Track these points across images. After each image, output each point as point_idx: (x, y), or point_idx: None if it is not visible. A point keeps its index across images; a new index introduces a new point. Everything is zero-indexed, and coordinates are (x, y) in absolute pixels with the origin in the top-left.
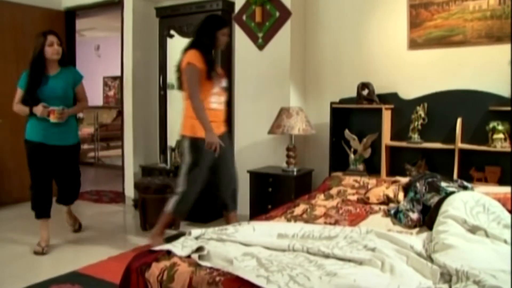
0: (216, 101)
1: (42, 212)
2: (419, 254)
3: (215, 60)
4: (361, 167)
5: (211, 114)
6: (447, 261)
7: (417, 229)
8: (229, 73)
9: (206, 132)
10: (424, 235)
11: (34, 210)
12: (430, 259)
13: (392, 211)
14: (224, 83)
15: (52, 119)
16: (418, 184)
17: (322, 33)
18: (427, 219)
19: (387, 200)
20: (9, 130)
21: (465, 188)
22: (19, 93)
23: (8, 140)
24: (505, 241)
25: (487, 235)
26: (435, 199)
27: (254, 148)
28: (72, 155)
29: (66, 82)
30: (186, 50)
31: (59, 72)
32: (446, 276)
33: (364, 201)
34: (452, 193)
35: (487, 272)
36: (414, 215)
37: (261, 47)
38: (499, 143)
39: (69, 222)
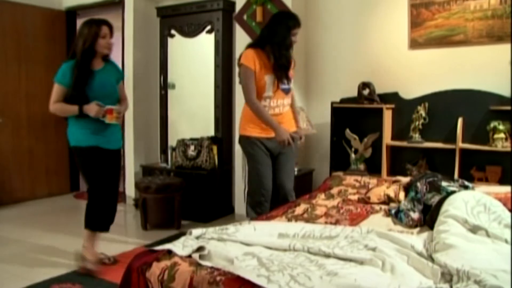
0: (272, 105)
1: (103, 224)
2: (420, 254)
3: (281, 60)
4: (362, 166)
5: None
6: (448, 261)
7: (418, 229)
8: (230, 73)
9: (273, 130)
10: (425, 234)
11: (93, 221)
12: (431, 258)
13: (393, 211)
14: (286, 84)
15: (109, 119)
16: (418, 184)
17: (323, 32)
18: (428, 218)
19: (388, 200)
20: (9, 129)
21: (466, 187)
22: (59, 90)
23: (9, 140)
24: (506, 241)
25: (488, 235)
26: (436, 198)
27: None
28: (119, 160)
29: (112, 78)
30: (247, 46)
31: (104, 67)
32: (447, 276)
33: (365, 200)
34: (453, 192)
35: (488, 272)
36: (415, 215)
37: None
38: (500, 143)
39: (103, 254)
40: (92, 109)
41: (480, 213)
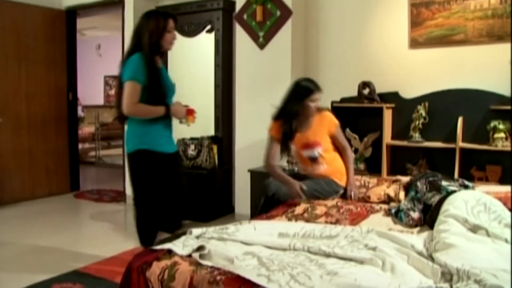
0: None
1: (153, 239)
2: (420, 253)
3: (299, 129)
4: (362, 166)
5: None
6: (448, 260)
7: (418, 228)
8: (230, 73)
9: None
10: (425, 234)
11: (147, 236)
12: (431, 258)
13: (393, 210)
14: (314, 152)
15: (190, 121)
16: (419, 183)
17: (323, 32)
18: (428, 218)
19: (388, 199)
20: (10, 129)
21: (466, 187)
22: (137, 88)
23: (9, 140)
24: (506, 240)
25: (488, 234)
26: (436, 198)
27: (255, 147)
28: (180, 162)
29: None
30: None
31: (162, 65)
32: (447, 275)
33: (365, 200)
34: (453, 192)
35: (488, 271)
36: (415, 214)
37: (262, 46)
38: (500, 142)
39: None
40: (180, 110)
41: (480, 213)
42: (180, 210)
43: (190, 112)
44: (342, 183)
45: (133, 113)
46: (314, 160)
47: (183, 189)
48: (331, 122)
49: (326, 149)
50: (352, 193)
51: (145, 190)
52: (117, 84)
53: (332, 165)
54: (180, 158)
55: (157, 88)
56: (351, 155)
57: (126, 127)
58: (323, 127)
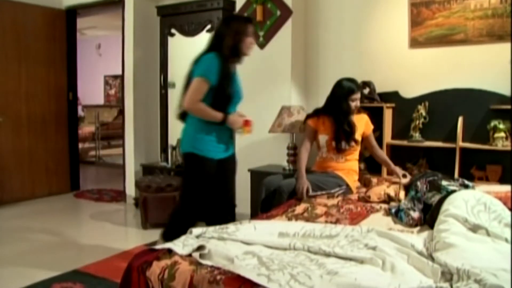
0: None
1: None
2: (420, 253)
3: (354, 126)
4: (362, 165)
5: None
6: (448, 260)
7: (418, 228)
8: None
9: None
10: (425, 234)
11: (173, 232)
12: (431, 257)
13: (393, 210)
14: (346, 145)
15: (246, 132)
16: (419, 183)
17: (323, 31)
18: (428, 218)
19: (388, 199)
20: (10, 128)
21: (466, 186)
22: (205, 86)
23: (9, 139)
24: (506, 240)
25: (488, 234)
26: (436, 198)
27: (255, 147)
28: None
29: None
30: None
31: (235, 71)
32: (447, 275)
33: (365, 199)
34: (453, 191)
35: (488, 271)
36: (415, 214)
37: (262, 45)
38: (500, 142)
39: None
40: (237, 121)
41: (480, 212)
42: (225, 213)
43: (246, 123)
44: (348, 181)
45: (192, 109)
46: (339, 151)
47: (228, 194)
48: (367, 124)
49: (355, 147)
50: (398, 170)
51: (192, 189)
52: (186, 80)
53: (349, 162)
54: (233, 164)
55: (224, 91)
56: (381, 150)
57: (184, 125)
58: (359, 127)
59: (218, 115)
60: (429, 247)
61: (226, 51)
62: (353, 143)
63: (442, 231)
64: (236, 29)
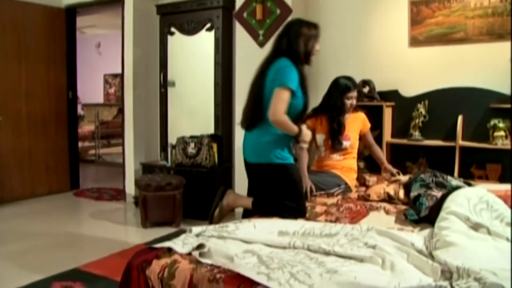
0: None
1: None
2: (420, 252)
3: (343, 125)
4: (361, 164)
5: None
6: (448, 258)
7: (418, 227)
8: (230, 71)
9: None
10: (426, 232)
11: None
12: (431, 256)
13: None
14: (343, 144)
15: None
16: (423, 176)
17: (322, 30)
18: (431, 214)
19: (387, 198)
20: (10, 127)
21: (469, 185)
22: (288, 96)
23: (9, 138)
24: (508, 239)
25: (489, 232)
26: (439, 194)
27: None
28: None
29: None
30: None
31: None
32: (447, 273)
33: (365, 198)
34: (457, 187)
35: (488, 269)
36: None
37: (262, 44)
38: (500, 141)
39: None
40: (308, 134)
41: (483, 211)
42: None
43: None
44: (347, 180)
45: (277, 121)
46: (337, 150)
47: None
48: (365, 123)
49: (352, 145)
50: (390, 167)
51: (292, 195)
52: (255, 85)
53: (347, 161)
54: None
55: (302, 100)
56: (379, 148)
57: (251, 135)
58: (356, 126)
59: (296, 128)
60: (429, 245)
61: (300, 56)
62: (345, 144)
63: (443, 229)
64: (308, 35)
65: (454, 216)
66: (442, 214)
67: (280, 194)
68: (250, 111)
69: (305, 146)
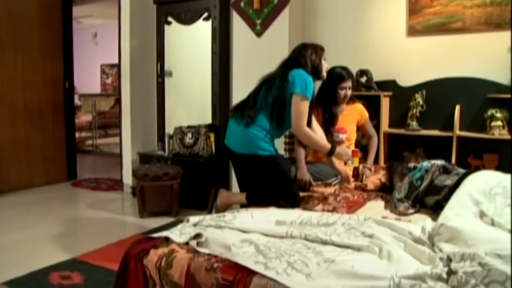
0: None
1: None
2: (417, 240)
3: (335, 116)
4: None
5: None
6: (449, 249)
7: (415, 215)
8: (227, 61)
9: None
10: (424, 221)
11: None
12: (428, 244)
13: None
14: (339, 136)
15: (356, 162)
16: (429, 164)
17: (320, 19)
18: (441, 199)
19: (384, 187)
20: (6, 118)
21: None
22: (307, 108)
23: (5, 129)
24: (508, 231)
25: (493, 223)
26: (450, 180)
27: None
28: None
29: None
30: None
31: None
32: (444, 261)
33: (362, 188)
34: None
35: (493, 252)
36: (401, 207)
37: (259, 34)
38: (497, 131)
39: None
40: (346, 153)
41: (497, 195)
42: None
43: (356, 154)
44: (339, 166)
45: (301, 134)
46: (333, 142)
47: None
48: (362, 114)
49: (349, 137)
50: (365, 171)
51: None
52: (264, 85)
53: None
54: None
55: (311, 111)
56: (375, 142)
57: (234, 126)
58: (352, 117)
59: (327, 145)
60: (433, 229)
61: (321, 72)
62: (341, 137)
63: (449, 209)
64: (313, 51)
65: (467, 196)
66: (458, 193)
67: (272, 185)
68: (252, 104)
69: (350, 163)
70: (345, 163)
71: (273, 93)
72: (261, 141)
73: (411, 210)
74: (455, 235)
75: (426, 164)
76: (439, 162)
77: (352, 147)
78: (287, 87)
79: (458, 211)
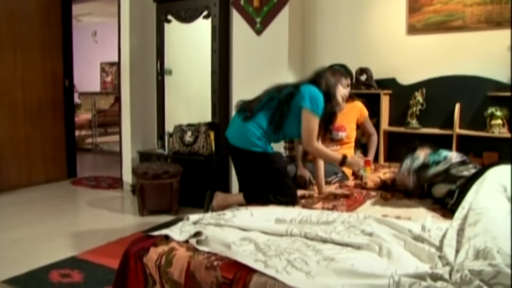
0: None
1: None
2: (417, 238)
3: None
4: (358, 152)
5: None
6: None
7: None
8: (227, 59)
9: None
10: (427, 220)
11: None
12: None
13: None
14: (338, 134)
15: (369, 171)
16: (448, 154)
17: (320, 17)
18: (459, 187)
19: (385, 186)
20: (6, 116)
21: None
22: (317, 125)
23: (5, 127)
24: None
25: None
26: (468, 171)
27: None
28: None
29: None
30: None
31: None
32: (443, 259)
33: (362, 186)
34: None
35: (506, 252)
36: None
37: (259, 32)
38: (497, 129)
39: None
40: (358, 163)
41: None
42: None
43: (368, 163)
44: (345, 169)
45: (313, 151)
46: (333, 140)
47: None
48: (361, 112)
49: (349, 135)
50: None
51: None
52: (276, 89)
53: (344, 150)
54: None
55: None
56: (374, 140)
57: (237, 119)
58: (352, 115)
59: (338, 156)
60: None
61: (336, 102)
62: (340, 135)
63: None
64: (335, 74)
65: (497, 182)
66: (494, 185)
67: (266, 180)
68: (248, 105)
69: (363, 173)
70: (357, 173)
71: (280, 97)
72: (255, 138)
73: (410, 180)
74: (478, 218)
75: (446, 153)
76: (458, 154)
77: (352, 144)
78: (296, 98)
79: (487, 191)
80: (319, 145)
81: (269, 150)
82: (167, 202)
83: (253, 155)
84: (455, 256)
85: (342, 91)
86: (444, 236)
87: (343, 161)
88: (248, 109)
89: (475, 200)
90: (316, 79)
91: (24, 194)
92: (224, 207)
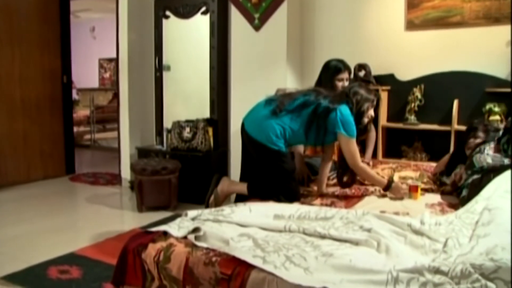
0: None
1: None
2: (417, 232)
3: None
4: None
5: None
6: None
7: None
8: (225, 55)
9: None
10: (425, 215)
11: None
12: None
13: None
14: None
15: (415, 197)
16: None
17: (319, 13)
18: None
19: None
20: (4, 112)
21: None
22: (355, 144)
23: (3, 123)
24: None
25: None
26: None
27: None
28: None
29: None
30: None
31: None
32: (443, 253)
33: (360, 182)
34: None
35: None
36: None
37: (257, 28)
38: (495, 125)
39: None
40: (401, 189)
41: None
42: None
43: (415, 189)
44: None
45: (360, 171)
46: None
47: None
48: None
49: None
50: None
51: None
52: (310, 95)
53: None
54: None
55: (314, 138)
56: (373, 136)
57: (260, 110)
58: None
59: (383, 181)
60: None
61: (364, 108)
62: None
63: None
64: (363, 95)
65: None
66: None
67: (274, 179)
68: (290, 106)
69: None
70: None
71: (317, 109)
72: (274, 136)
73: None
74: (492, 219)
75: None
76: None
77: (410, 181)
78: (330, 121)
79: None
80: (364, 165)
81: (283, 150)
82: (166, 198)
83: (267, 151)
84: (459, 249)
85: (370, 113)
86: (450, 224)
87: (388, 186)
88: (278, 103)
89: (492, 199)
90: (351, 99)
91: (22, 190)
92: (228, 193)
